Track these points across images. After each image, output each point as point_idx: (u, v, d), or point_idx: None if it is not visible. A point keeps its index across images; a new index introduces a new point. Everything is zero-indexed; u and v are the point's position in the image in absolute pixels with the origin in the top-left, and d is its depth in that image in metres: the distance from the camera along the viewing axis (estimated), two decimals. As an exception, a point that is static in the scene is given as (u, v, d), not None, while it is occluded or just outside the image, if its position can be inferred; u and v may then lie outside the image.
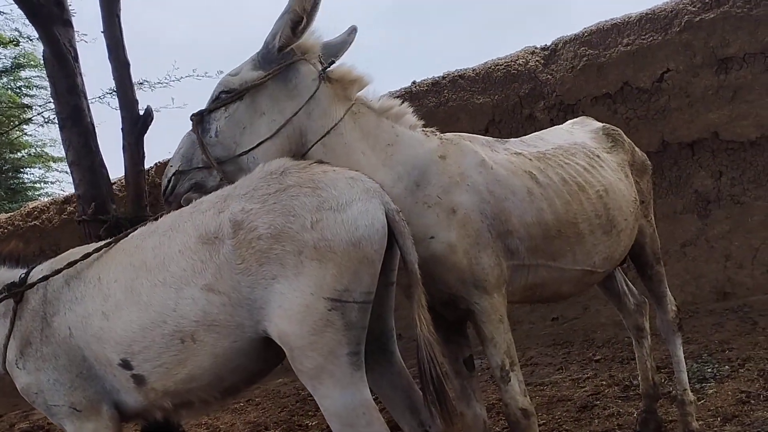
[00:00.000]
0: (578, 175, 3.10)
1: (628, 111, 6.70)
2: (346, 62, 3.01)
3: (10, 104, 15.21)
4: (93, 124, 3.92)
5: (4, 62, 17.09)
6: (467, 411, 3.07)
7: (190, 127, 2.88)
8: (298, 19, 2.76)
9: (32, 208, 9.91)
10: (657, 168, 6.66)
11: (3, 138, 14.71)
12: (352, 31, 3.10)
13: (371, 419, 2.31)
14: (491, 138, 3.20)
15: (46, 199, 11.77)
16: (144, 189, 3.87)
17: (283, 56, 2.82)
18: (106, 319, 2.51)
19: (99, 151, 3.92)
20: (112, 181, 4.10)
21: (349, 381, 2.30)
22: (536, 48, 7.25)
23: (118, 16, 3.82)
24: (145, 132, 3.88)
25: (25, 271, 2.81)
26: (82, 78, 3.89)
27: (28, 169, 18.74)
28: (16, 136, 15.55)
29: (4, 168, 17.58)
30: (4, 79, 18.06)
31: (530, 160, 3.04)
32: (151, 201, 4.75)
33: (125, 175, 3.90)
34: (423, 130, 3.01)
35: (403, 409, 2.68)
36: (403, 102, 3.04)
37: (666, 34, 6.43)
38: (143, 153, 3.86)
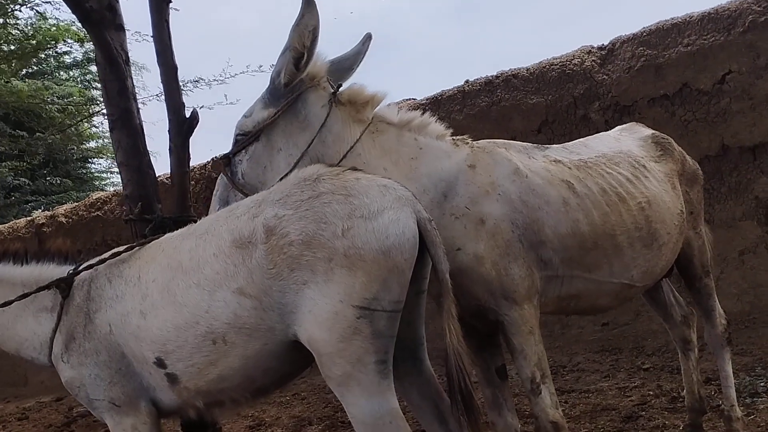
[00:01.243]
0: (620, 186, 3.03)
1: (687, 113, 6.50)
2: (356, 82, 3.00)
3: (80, 97, 15.75)
4: (142, 126, 4.04)
5: (75, 56, 17.81)
6: (498, 420, 3.06)
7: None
8: (299, 56, 2.77)
9: (96, 198, 10.22)
10: (716, 173, 6.46)
11: (72, 129, 15.26)
12: (367, 39, 3.11)
13: (398, 428, 2.32)
14: (530, 144, 3.15)
15: (110, 190, 12.14)
16: (188, 190, 3.96)
17: (291, 90, 2.84)
18: (144, 317, 2.59)
19: (147, 152, 4.04)
20: (158, 181, 4.21)
21: (377, 389, 2.32)
22: (593, 47, 7.09)
23: (167, 21, 3.91)
24: (191, 134, 3.97)
25: (73, 267, 2.92)
26: (132, 81, 4.01)
27: (95, 159, 19.48)
28: (85, 127, 16.10)
29: (73, 158, 18.27)
30: (75, 72, 18.82)
31: (569, 168, 2.99)
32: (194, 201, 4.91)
33: (171, 176, 4.00)
34: (453, 139, 2.99)
35: (431, 418, 2.69)
36: (424, 112, 3.01)
37: (729, 34, 6.20)
38: (189, 155, 3.96)
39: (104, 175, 20.41)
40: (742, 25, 6.13)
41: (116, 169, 18.30)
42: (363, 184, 2.44)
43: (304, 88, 2.85)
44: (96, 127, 16.66)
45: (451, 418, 2.60)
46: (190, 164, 4.05)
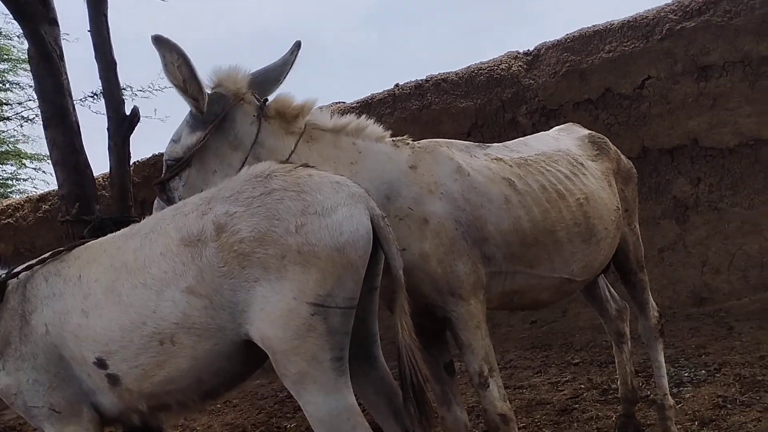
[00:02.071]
0: (559, 183, 3.10)
1: (610, 117, 6.76)
2: (284, 92, 2.97)
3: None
4: (78, 124, 3.89)
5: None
6: (448, 415, 3.08)
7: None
8: (186, 89, 2.76)
9: (6, 205, 9.73)
10: (637, 174, 6.73)
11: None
12: (296, 48, 3.07)
13: (356, 424, 2.30)
14: (471, 143, 3.19)
15: (19, 197, 11.58)
16: (129, 189, 3.84)
17: (214, 112, 2.80)
18: (85, 316, 2.48)
19: (84, 150, 3.88)
20: (97, 181, 4.06)
21: (333, 386, 2.29)
22: (519, 53, 7.29)
23: (105, 15, 3.79)
24: (132, 132, 3.85)
25: (5, 271, 2.76)
26: (67, 77, 3.85)
27: (0, 165, 18.49)
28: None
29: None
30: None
31: (510, 166, 3.04)
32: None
33: (110, 176, 3.86)
34: (393, 140, 2.99)
35: (386, 414, 2.68)
36: (360, 115, 3.01)
37: (648, 41, 6.49)
38: (129, 153, 3.84)
39: (9, 182, 19.41)
40: (659, 32, 6.43)
41: (23, 175, 17.49)
42: (316, 181, 2.41)
43: (228, 106, 2.81)
44: (2, 132, 15.83)
45: (406, 414, 2.59)
46: (131, 162, 3.92)
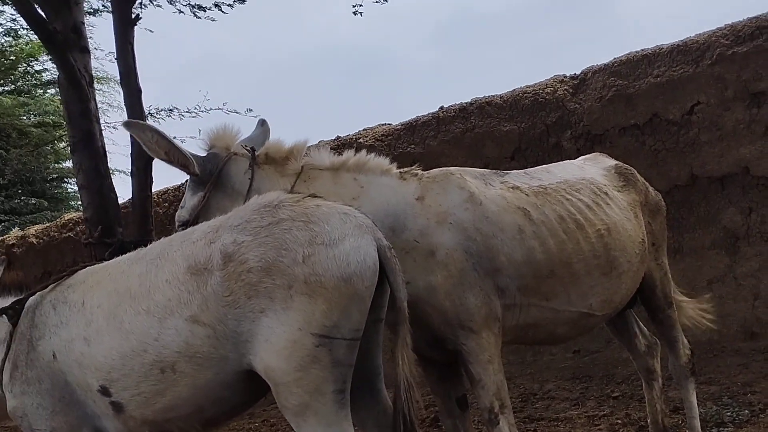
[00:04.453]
0: (578, 213, 3.03)
1: (657, 143, 6.57)
2: (273, 138, 3.10)
3: (58, 115, 15.62)
4: (104, 149, 4.01)
5: (52, 74, 17.69)
6: (459, 450, 3.03)
7: None
8: (172, 161, 2.91)
9: (68, 219, 10.11)
10: (685, 202, 6.53)
11: (48, 147, 15.11)
12: (263, 122, 3.24)
13: None
14: (489, 170, 3.16)
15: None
16: (150, 214, 3.95)
17: (209, 172, 2.91)
18: (87, 344, 2.53)
19: (108, 174, 4.02)
20: (120, 205, 4.19)
21: (334, 419, 2.29)
22: (565, 77, 7.18)
23: (132, 44, 3.92)
24: (153, 158, 3.96)
25: (20, 297, 2.86)
26: (95, 103, 4.00)
27: (72, 179, 19.26)
28: (61, 146, 15.98)
29: (48, 178, 18.07)
30: (52, 91, 18.69)
31: (527, 195, 2.99)
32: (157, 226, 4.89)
33: (132, 200, 3.97)
34: (399, 173, 2.99)
35: (387, 448, 2.65)
36: (358, 150, 3.04)
37: (697, 66, 6.30)
38: (151, 179, 3.95)
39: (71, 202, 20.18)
40: (710, 57, 6.24)
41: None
42: (324, 211, 2.43)
43: (221, 162, 2.92)
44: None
45: None
46: (152, 188, 4.04)
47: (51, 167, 16.80)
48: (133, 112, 3.88)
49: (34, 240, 10.05)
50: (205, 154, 2.99)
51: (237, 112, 12.12)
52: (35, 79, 17.87)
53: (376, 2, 6.82)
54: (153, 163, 3.96)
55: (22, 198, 17.62)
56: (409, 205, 2.83)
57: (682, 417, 4.67)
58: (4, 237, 10.61)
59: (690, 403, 3.66)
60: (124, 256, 2.78)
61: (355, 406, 2.45)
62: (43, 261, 9.94)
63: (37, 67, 16.03)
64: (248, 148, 2.95)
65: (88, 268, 2.84)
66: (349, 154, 2.98)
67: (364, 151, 3.01)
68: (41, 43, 11.40)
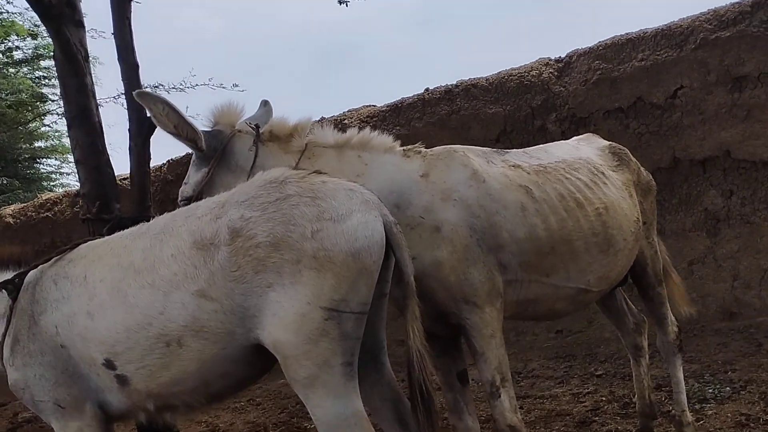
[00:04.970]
0: (578, 191, 3.08)
1: (641, 126, 6.66)
2: (277, 116, 3.10)
3: (30, 94, 15.31)
4: (101, 124, 3.98)
5: (24, 52, 17.31)
6: (459, 424, 3.08)
7: None
8: (178, 134, 2.88)
9: (45, 199, 9.96)
10: (667, 184, 6.63)
11: (21, 128, 14.84)
12: (266, 103, 3.24)
13: (362, 429, 2.33)
14: (489, 149, 3.19)
15: (59, 191, 11.85)
16: (149, 190, 3.92)
17: (214, 148, 2.92)
18: (91, 318, 2.53)
19: (105, 150, 3.97)
20: (118, 180, 4.15)
21: (342, 391, 2.32)
22: (550, 60, 7.22)
23: (129, 19, 3.88)
24: (152, 134, 3.93)
25: (19, 272, 2.84)
26: (91, 78, 3.95)
27: (44, 159, 18.94)
28: (34, 126, 15.68)
29: (20, 158, 17.73)
30: (24, 69, 18.29)
31: (528, 173, 3.03)
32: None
33: (130, 176, 3.95)
34: (403, 150, 3.01)
35: (392, 421, 2.69)
36: (361, 128, 3.05)
37: (681, 50, 6.38)
38: (149, 154, 3.92)
39: (53, 175, 19.88)
40: (693, 42, 6.32)
41: (67, 170, 17.88)
42: (330, 187, 2.44)
43: (226, 139, 2.92)
44: (48, 126, 16.25)
45: (411, 421, 2.61)
46: (150, 165, 4.01)
47: (22, 147, 16.46)
48: (131, 88, 3.84)
49: (10, 220, 9.90)
50: (209, 130, 2.98)
51: (224, 87, 11.98)
52: (7, 57, 17.50)
53: None
54: (151, 139, 3.93)
55: (-7, 178, 17.29)
56: (414, 182, 2.85)
57: (665, 394, 4.79)
58: (-20, 217, 10.40)
59: (677, 378, 3.75)
60: (125, 230, 2.75)
61: (360, 378, 2.48)
62: (21, 241, 9.80)
63: (8, 45, 15.65)
64: (252, 125, 2.95)
65: (89, 242, 2.82)
66: (352, 132, 2.99)
67: (367, 129, 3.02)
68: (9, 22, 11.22)
